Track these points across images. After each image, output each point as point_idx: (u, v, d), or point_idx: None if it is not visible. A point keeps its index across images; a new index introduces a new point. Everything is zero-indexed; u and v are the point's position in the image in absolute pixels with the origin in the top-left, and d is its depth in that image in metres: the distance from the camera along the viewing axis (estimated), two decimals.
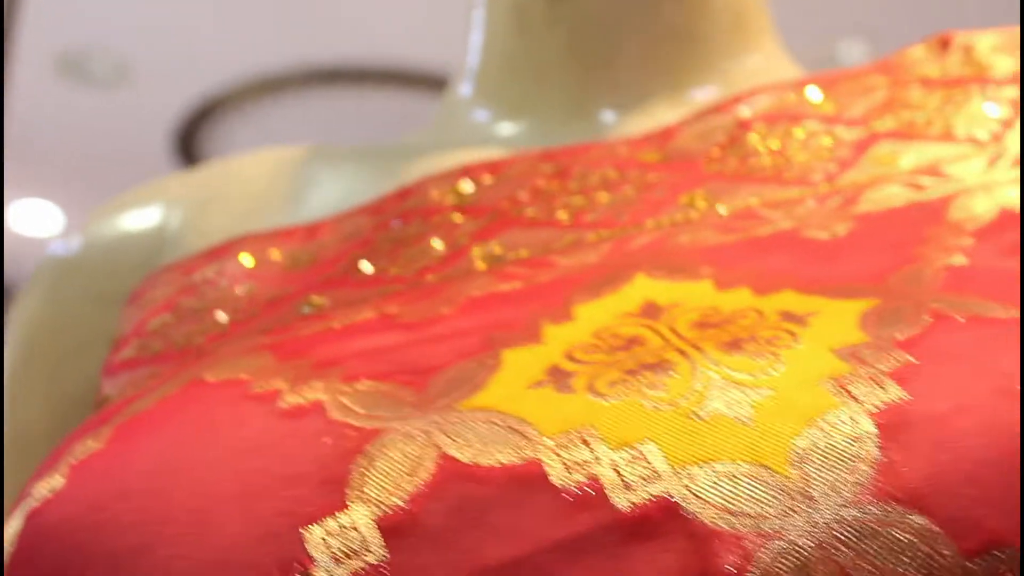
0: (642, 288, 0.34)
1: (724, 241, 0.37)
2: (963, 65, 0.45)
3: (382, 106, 2.98)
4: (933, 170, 0.39)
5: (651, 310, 0.32)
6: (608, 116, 0.48)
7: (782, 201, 0.39)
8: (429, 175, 0.44)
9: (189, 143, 3.22)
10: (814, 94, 0.45)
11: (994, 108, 0.42)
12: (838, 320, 0.30)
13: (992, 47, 0.45)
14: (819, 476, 0.25)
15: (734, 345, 0.29)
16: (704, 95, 0.48)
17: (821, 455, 0.25)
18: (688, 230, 0.38)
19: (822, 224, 0.37)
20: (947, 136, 0.41)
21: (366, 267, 0.40)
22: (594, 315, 0.33)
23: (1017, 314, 0.28)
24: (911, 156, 0.40)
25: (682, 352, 0.29)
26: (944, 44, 0.46)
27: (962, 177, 0.38)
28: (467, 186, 0.43)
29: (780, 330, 0.30)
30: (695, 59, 0.48)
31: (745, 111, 0.44)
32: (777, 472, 0.25)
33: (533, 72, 0.49)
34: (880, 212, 0.37)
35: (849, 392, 0.27)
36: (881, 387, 0.26)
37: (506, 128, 0.49)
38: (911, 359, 0.27)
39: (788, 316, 0.30)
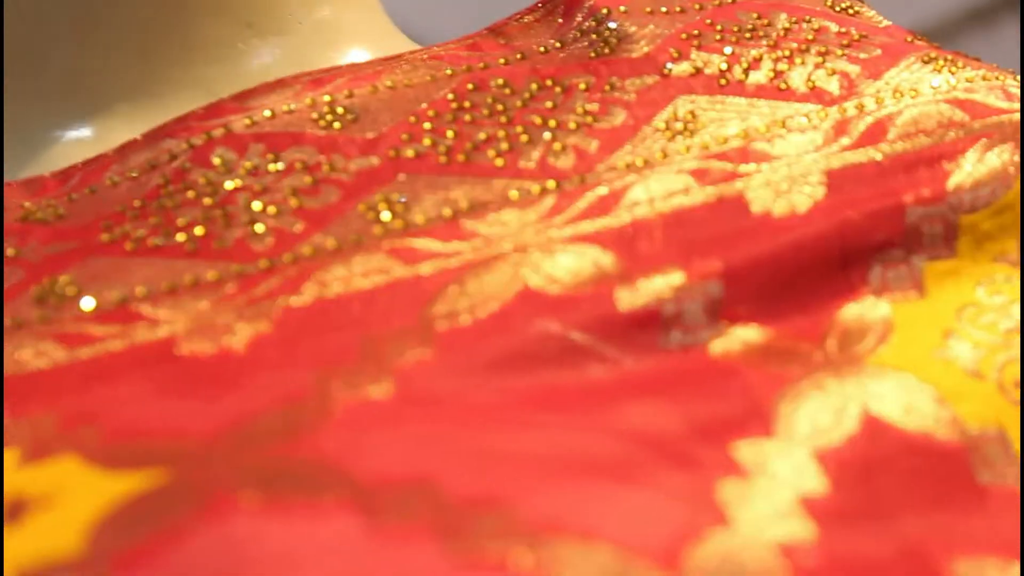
0: None
1: (60, 362, 0.26)
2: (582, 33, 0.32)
3: None
4: (454, 229, 0.27)
5: None
6: (51, 137, 0.33)
7: (188, 287, 0.27)
8: None
9: None
10: (329, 96, 0.30)
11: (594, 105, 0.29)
12: (73, 515, 0.21)
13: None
14: None
15: None
16: (205, 99, 0.32)
17: None
18: (15, 344, 0.26)
19: (226, 327, 0.26)
20: (513, 170, 0.28)
21: None
22: None
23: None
24: (431, 202, 0.28)
25: None
26: (570, 6, 0.33)
27: (498, 235, 0.27)
28: None
29: None
30: (194, 38, 0.33)
31: (219, 129, 0.30)
32: None
33: None
34: (328, 299, 0.26)
35: None
36: None
37: None
38: None
39: (12, 509, 0.22)
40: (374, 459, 0.21)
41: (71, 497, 0.21)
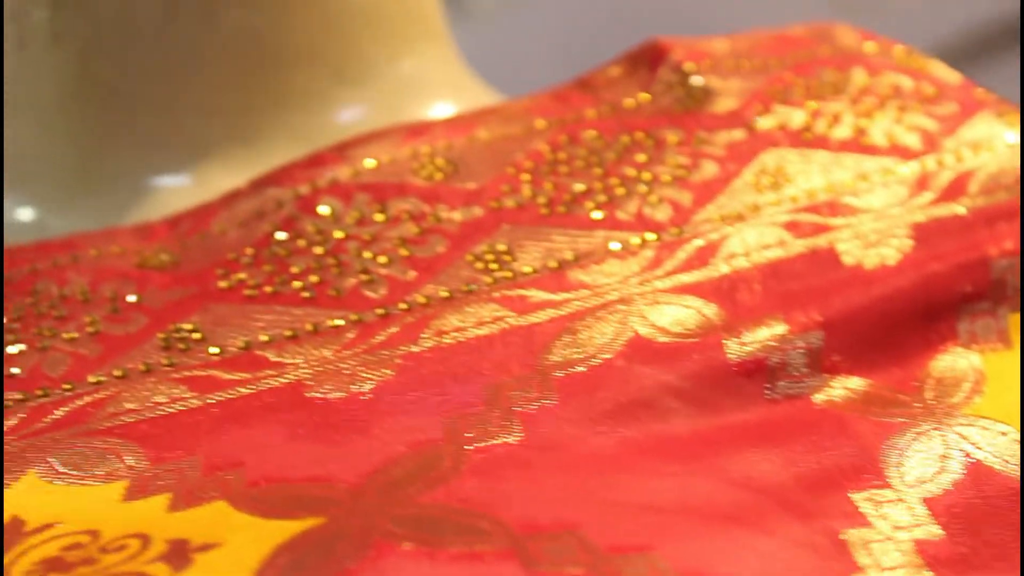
0: (23, 495, 0.24)
1: (193, 406, 0.26)
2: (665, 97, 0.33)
3: None
4: (561, 280, 0.28)
5: (11, 533, 0.23)
6: (149, 183, 0.34)
7: (310, 334, 0.28)
8: None
9: None
10: (428, 147, 0.32)
11: (684, 160, 0.30)
12: (239, 558, 0.21)
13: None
14: None
15: None
16: (297, 147, 0.33)
17: None
18: (149, 388, 0.27)
19: (352, 374, 0.26)
20: (612, 221, 0.29)
21: None
22: None
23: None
24: (536, 253, 0.29)
25: None
26: (654, 60, 0.34)
27: (604, 285, 0.28)
28: None
29: None
30: (287, 87, 0.34)
31: (324, 179, 0.31)
32: None
33: (35, 117, 0.34)
34: (446, 347, 0.27)
35: None
36: None
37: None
38: None
39: (174, 551, 0.22)
40: (520, 507, 0.22)
41: (233, 542, 0.22)
